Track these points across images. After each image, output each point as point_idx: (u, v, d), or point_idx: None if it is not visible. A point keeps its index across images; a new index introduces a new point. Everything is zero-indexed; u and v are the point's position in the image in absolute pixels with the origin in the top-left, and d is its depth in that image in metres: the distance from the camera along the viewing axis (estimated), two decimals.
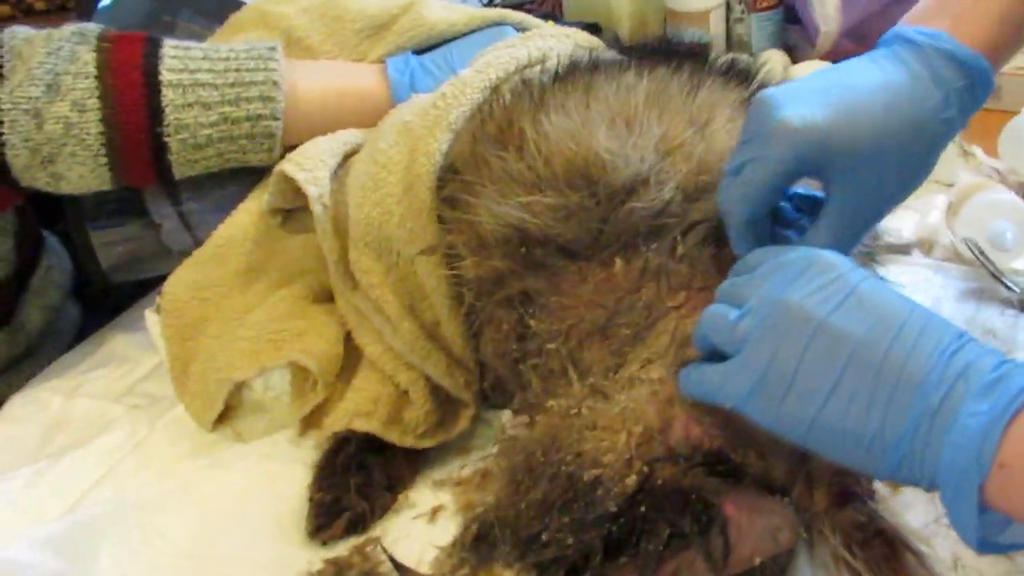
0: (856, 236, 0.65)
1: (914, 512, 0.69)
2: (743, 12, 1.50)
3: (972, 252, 0.98)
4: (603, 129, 0.72)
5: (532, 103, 0.77)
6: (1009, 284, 0.94)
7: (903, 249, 1.06)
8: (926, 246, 1.08)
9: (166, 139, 0.88)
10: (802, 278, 0.56)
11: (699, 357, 0.62)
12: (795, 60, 1.49)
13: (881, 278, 0.68)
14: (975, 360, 0.51)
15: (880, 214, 0.66)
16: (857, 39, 1.46)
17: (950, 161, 1.22)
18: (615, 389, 0.66)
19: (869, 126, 0.61)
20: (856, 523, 0.60)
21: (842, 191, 0.62)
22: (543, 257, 0.73)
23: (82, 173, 0.88)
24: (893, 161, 0.62)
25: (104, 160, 0.88)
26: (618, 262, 0.71)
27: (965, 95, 0.64)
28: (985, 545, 0.50)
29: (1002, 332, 0.92)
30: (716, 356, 0.60)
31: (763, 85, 0.83)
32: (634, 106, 0.74)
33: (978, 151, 1.22)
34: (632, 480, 0.62)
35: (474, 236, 0.76)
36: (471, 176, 0.77)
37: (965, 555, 0.68)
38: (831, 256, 0.58)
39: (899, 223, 1.10)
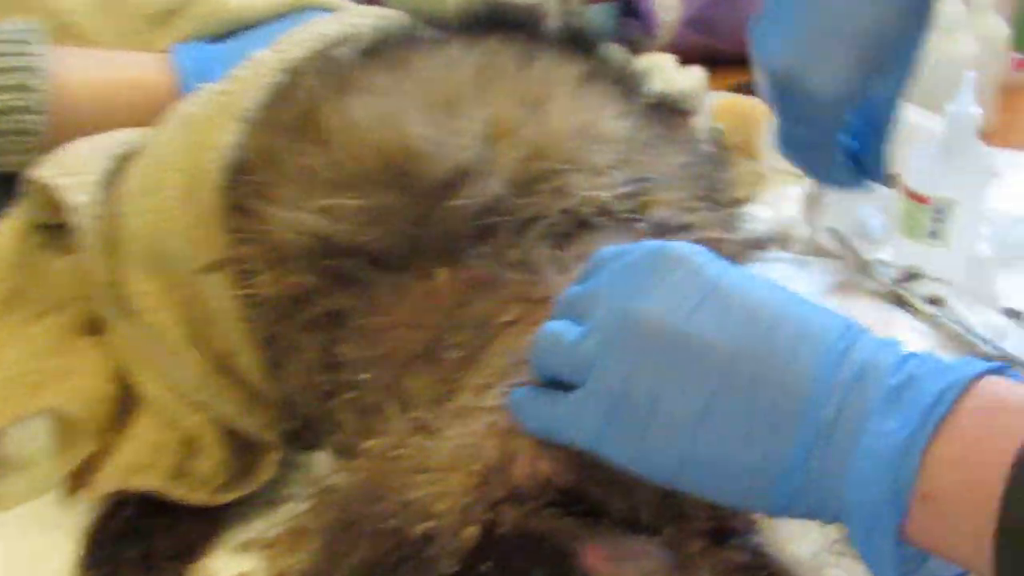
0: None
1: (803, 541, 0.61)
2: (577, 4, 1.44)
3: (838, 243, 0.93)
4: (419, 113, 0.62)
5: (336, 85, 0.66)
6: (877, 276, 0.90)
7: (758, 244, 1.01)
8: (782, 241, 1.02)
9: None
10: (649, 279, 0.48)
11: (534, 383, 0.53)
12: (635, 53, 1.44)
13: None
14: (871, 359, 0.43)
15: None
16: (700, 29, 1.44)
17: None
18: (444, 422, 0.56)
19: None
20: (738, 564, 0.53)
21: None
22: (352, 270, 0.62)
23: None
24: None
25: None
26: (440, 272, 0.61)
27: None
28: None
29: (875, 325, 0.85)
30: (558, 383, 0.51)
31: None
32: (456, 84, 0.64)
33: None
34: (472, 531, 0.52)
35: (270, 247, 0.64)
36: (265, 176, 0.65)
37: None
38: (681, 248, 0.49)
39: (750, 217, 1.05)
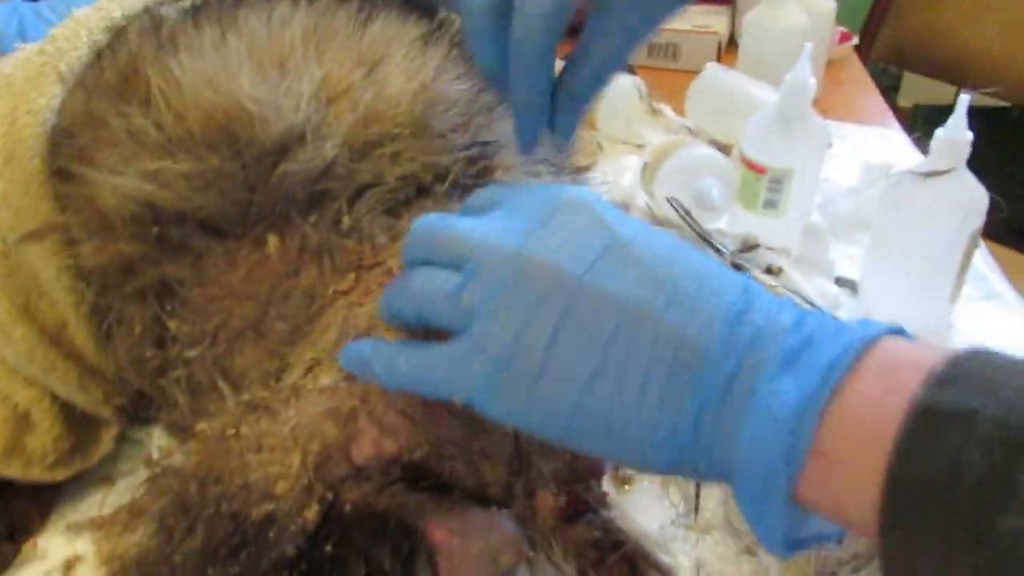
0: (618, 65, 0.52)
1: (649, 514, 0.62)
2: None
3: (678, 212, 0.92)
4: (248, 72, 0.58)
5: (160, 45, 0.61)
6: (718, 245, 0.90)
7: None
8: (622, 209, 1.03)
9: None
10: (547, 225, 0.45)
11: (398, 335, 0.50)
12: None
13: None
14: (768, 322, 0.41)
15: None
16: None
17: (638, 121, 1.21)
18: (279, 402, 0.54)
19: None
20: (590, 540, 0.52)
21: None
22: (182, 237, 0.59)
23: None
24: None
25: None
26: (271, 240, 0.58)
27: None
28: (790, 545, 0.41)
29: None
30: (424, 334, 0.48)
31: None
32: (288, 43, 0.60)
33: (667, 110, 1.22)
34: (313, 511, 0.50)
35: (94, 214, 0.60)
36: (87, 139, 0.60)
37: (708, 559, 0.63)
38: (580, 194, 0.46)
39: (591, 185, 1.05)
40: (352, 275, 0.57)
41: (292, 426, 0.52)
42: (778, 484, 0.39)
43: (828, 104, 1.37)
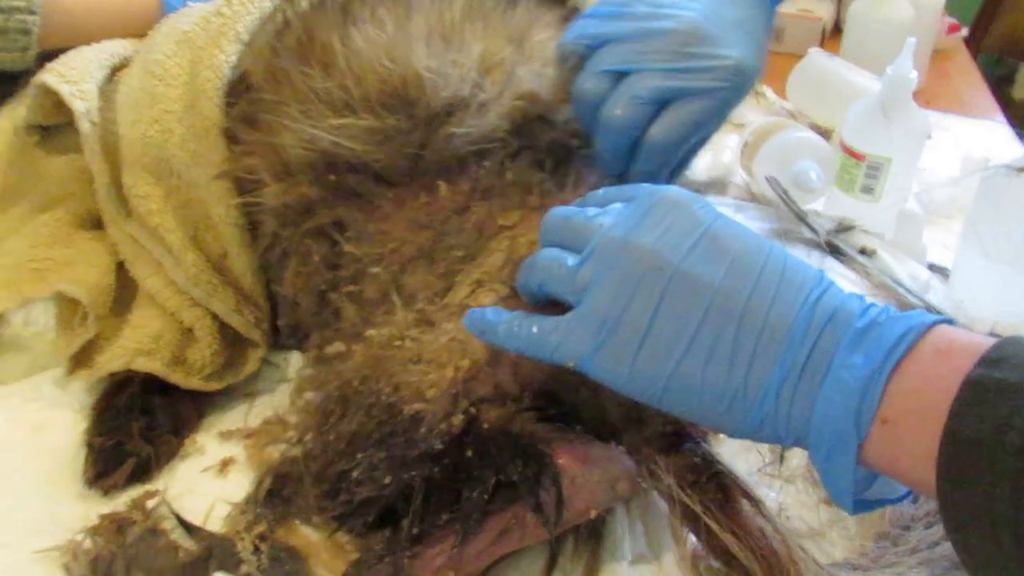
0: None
1: (739, 462, 0.68)
2: None
3: (776, 192, 0.97)
4: (421, 44, 0.66)
5: (337, 14, 0.69)
6: (813, 225, 0.94)
7: (697, 189, 1.06)
8: (719, 186, 1.07)
9: None
10: (649, 217, 0.52)
11: (525, 306, 0.57)
12: None
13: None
14: (841, 306, 0.48)
15: None
16: None
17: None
18: (443, 317, 0.61)
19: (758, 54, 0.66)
20: (690, 465, 0.58)
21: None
22: (356, 184, 0.67)
23: None
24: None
25: None
26: (442, 185, 0.66)
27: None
28: (858, 504, 0.48)
29: None
30: (543, 308, 0.55)
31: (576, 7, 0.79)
32: (450, 20, 0.68)
33: (768, 91, 1.24)
34: (459, 419, 0.57)
35: (278, 160, 0.68)
36: (270, 94, 0.69)
37: (790, 505, 0.68)
38: (678, 192, 0.53)
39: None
40: (518, 212, 0.64)
41: (449, 340, 0.59)
42: (847, 444, 0.45)
43: (932, 94, 1.38)
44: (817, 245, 0.95)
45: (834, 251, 0.94)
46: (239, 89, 0.71)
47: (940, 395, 0.43)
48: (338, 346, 0.64)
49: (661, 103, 0.64)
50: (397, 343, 0.60)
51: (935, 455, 0.42)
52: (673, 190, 0.53)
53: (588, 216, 0.55)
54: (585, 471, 0.57)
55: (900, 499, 0.49)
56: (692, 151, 0.72)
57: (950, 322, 0.47)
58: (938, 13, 1.40)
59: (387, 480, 0.56)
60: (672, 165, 0.69)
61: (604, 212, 0.55)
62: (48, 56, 0.80)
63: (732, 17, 0.65)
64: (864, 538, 0.66)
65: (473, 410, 0.57)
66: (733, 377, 0.48)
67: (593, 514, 0.58)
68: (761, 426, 0.48)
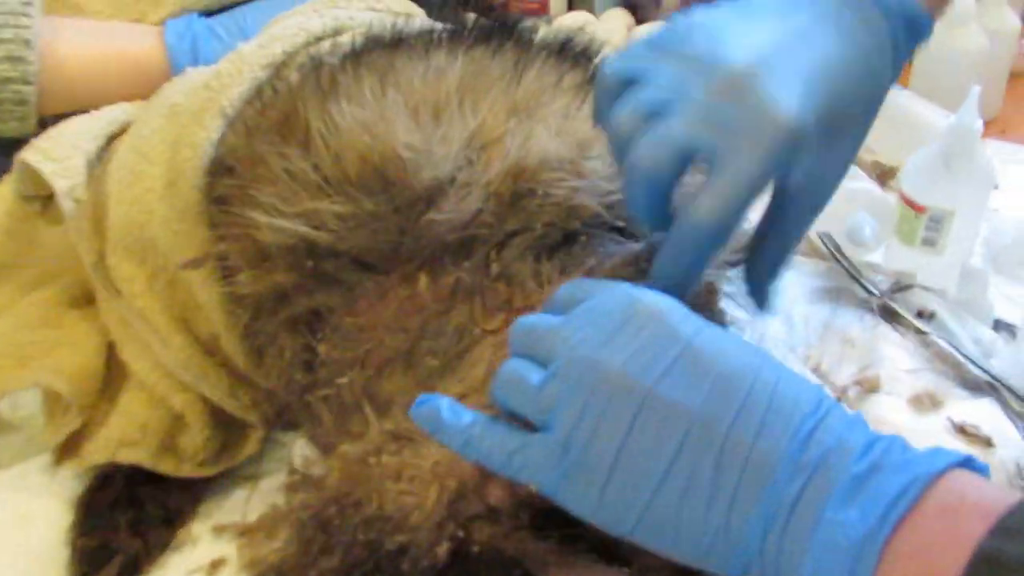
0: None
1: None
2: None
3: (828, 248, 0.91)
4: (404, 120, 0.60)
5: (320, 88, 0.64)
6: (868, 286, 0.87)
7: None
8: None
9: None
10: (622, 333, 0.46)
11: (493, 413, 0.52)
12: (640, 20, 1.42)
13: (720, 325, 0.59)
14: (837, 445, 0.42)
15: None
16: None
17: None
18: (422, 435, 0.55)
19: (842, 116, 0.54)
20: None
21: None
22: (335, 271, 0.62)
23: None
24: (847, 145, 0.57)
25: None
26: (422, 278, 0.60)
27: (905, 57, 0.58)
28: None
29: (860, 341, 0.85)
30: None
31: None
32: (444, 93, 0.62)
33: None
34: (444, 548, 0.51)
35: (251, 245, 0.63)
36: (247, 175, 0.64)
37: None
38: (656, 301, 0.47)
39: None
40: (501, 316, 0.58)
41: (433, 461, 0.53)
42: None
43: (1009, 123, 1.28)
44: (871, 308, 0.88)
45: (890, 315, 0.87)
46: (221, 170, 0.66)
47: (945, 565, 0.37)
48: (312, 460, 0.60)
49: (690, 154, 0.52)
50: (372, 460, 0.55)
51: None
52: (649, 299, 0.47)
53: (552, 326, 0.49)
54: None
55: None
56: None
57: (968, 462, 0.42)
58: (1015, 37, 1.31)
59: None
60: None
61: (568, 321, 0.49)
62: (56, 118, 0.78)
63: (812, 57, 0.52)
64: None
65: (461, 533, 0.52)
66: (713, 515, 0.42)
67: None
68: (748, 570, 0.43)
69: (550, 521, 0.52)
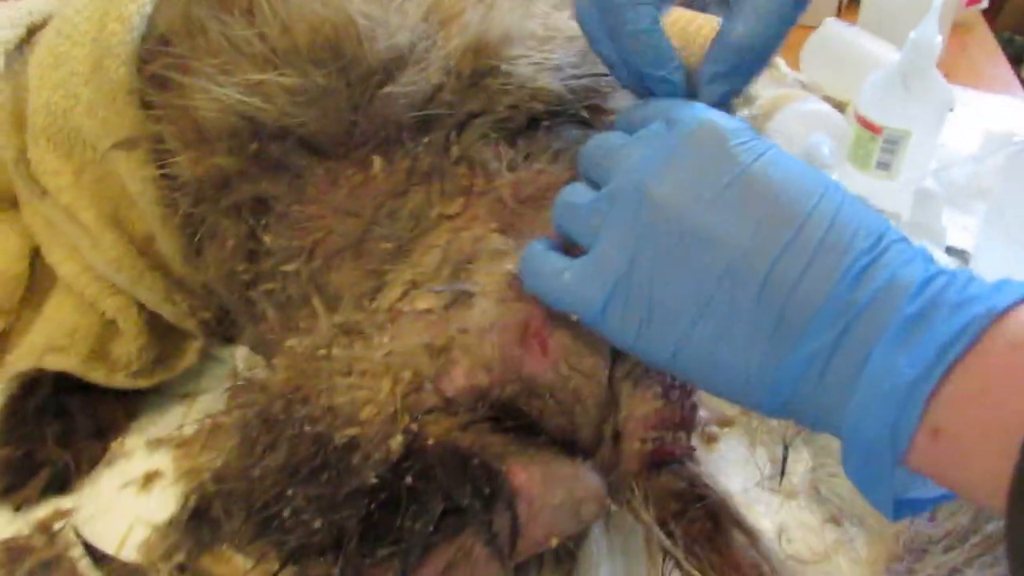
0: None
1: (734, 475, 0.61)
2: None
3: None
4: None
5: None
6: None
7: None
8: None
9: None
10: (676, 157, 0.43)
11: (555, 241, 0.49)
12: None
13: None
14: (891, 281, 0.38)
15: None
16: None
17: None
18: (373, 327, 0.52)
19: None
20: (673, 490, 0.50)
21: None
22: (281, 155, 0.57)
23: None
24: None
25: None
26: (376, 161, 0.56)
27: None
28: (898, 510, 0.39)
29: None
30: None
31: None
32: None
33: (781, 63, 1.17)
34: (397, 442, 0.48)
35: (190, 126, 0.58)
36: (184, 48, 0.59)
37: (790, 526, 0.61)
38: (718, 124, 0.43)
39: None
40: (461, 200, 0.55)
41: (385, 353, 0.50)
42: (884, 459, 0.37)
43: (951, 68, 1.30)
44: None
45: None
46: (153, 45, 0.61)
47: (1009, 407, 0.34)
48: (256, 363, 0.57)
49: None
50: (322, 353, 0.51)
51: (1005, 474, 0.33)
52: (713, 120, 0.43)
53: (615, 145, 0.47)
54: (546, 492, 0.49)
55: (947, 497, 0.41)
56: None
57: None
58: None
59: (317, 524, 0.48)
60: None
61: (635, 140, 0.46)
62: None
63: None
64: (875, 563, 0.58)
65: (415, 427, 0.49)
66: (749, 356, 0.40)
67: (554, 543, 0.50)
68: (785, 408, 0.41)
69: (508, 413, 0.51)
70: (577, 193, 0.47)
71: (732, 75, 0.48)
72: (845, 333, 0.38)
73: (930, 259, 0.40)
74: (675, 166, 0.43)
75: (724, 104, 0.49)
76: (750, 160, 0.42)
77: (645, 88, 0.50)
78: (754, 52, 0.48)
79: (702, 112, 0.44)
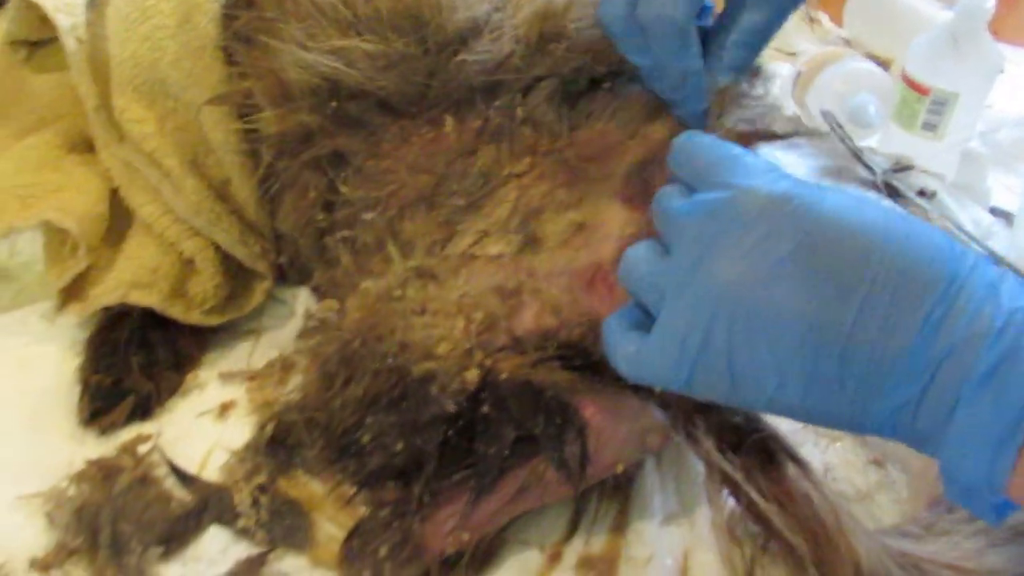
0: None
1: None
2: None
3: (831, 127, 0.89)
4: None
5: None
6: (869, 163, 0.87)
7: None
8: (769, 119, 1.00)
9: None
10: (732, 231, 0.43)
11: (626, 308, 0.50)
12: None
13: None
14: (968, 328, 0.39)
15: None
16: None
17: (793, 28, 1.17)
18: (446, 270, 0.55)
19: None
20: (731, 426, 0.53)
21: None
22: (359, 113, 0.60)
23: None
24: None
25: None
26: (448, 120, 0.59)
27: None
28: (1000, 510, 0.41)
29: None
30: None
31: None
32: None
33: (824, 18, 1.18)
34: (473, 374, 0.52)
35: (276, 84, 0.62)
36: (272, 11, 0.62)
37: (836, 466, 0.64)
38: (772, 192, 0.43)
39: None
40: (527, 159, 0.57)
41: (459, 295, 0.54)
42: (982, 497, 0.40)
43: (1002, 25, 1.27)
44: (873, 185, 0.87)
45: (892, 192, 0.86)
46: (240, 3, 0.64)
47: None
48: (330, 304, 0.59)
49: None
50: (397, 294, 0.55)
51: None
52: (765, 190, 0.44)
53: (678, 211, 0.46)
54: (613, 424, 0.52)
55: None
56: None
57: None
58: None
59: (398, 447, 0.52)
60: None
61: (695, 210, 0.45)
62: None
63: None
64: (916, 503, 0.61)
65: (489, 362, 0.52)
66: (840, 406, 0.42)
67: (620, 469, 0.54)
68: (881, 435, 0.43)
69: (576, 353, 0.54)
70: (642, 252, 0.48)
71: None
72: (930, 385, 0.40)
73: (1008, 288, 0.40)
74: (737, 241, 0.43)
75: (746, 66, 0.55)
76: (809, 222, 0.42)
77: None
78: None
79: (758, 179, 0.44)
